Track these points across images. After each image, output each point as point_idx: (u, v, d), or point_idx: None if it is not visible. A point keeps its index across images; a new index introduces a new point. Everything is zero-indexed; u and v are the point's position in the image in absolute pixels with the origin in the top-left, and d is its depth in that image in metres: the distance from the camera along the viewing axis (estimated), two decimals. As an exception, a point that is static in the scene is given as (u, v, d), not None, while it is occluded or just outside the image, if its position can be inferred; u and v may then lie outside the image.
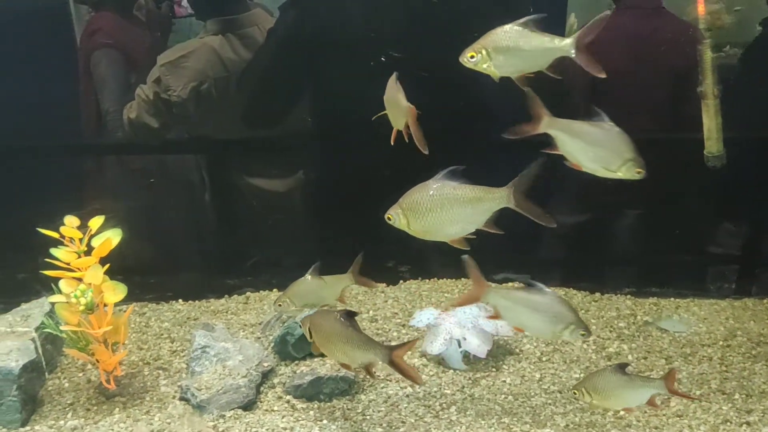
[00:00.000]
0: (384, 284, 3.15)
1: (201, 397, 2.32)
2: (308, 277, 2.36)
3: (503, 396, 2.42)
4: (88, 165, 3.34)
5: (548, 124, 2.00)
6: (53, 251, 2.37)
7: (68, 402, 2.41)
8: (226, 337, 2.55)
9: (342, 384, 2.40)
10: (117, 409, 2.36)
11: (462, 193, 2.07)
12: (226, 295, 3.16)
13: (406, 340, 2.44)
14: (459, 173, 2.07)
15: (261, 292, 3.16)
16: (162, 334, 2.82)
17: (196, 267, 3.24)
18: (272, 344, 2.55)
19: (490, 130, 3.09)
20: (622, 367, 2.13)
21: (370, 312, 2.92)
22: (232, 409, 2.31)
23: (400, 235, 2.84)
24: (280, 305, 2.37)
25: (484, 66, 2.00)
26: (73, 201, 2.96)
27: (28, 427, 2.28)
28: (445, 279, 3.19)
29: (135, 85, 3.15)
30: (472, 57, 1.99)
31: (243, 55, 3.08)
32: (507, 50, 1.96)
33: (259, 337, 2.67)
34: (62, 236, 2.33)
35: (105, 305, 2.36)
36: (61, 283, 2.32)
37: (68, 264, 2.35)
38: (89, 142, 3.21)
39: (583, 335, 2.06)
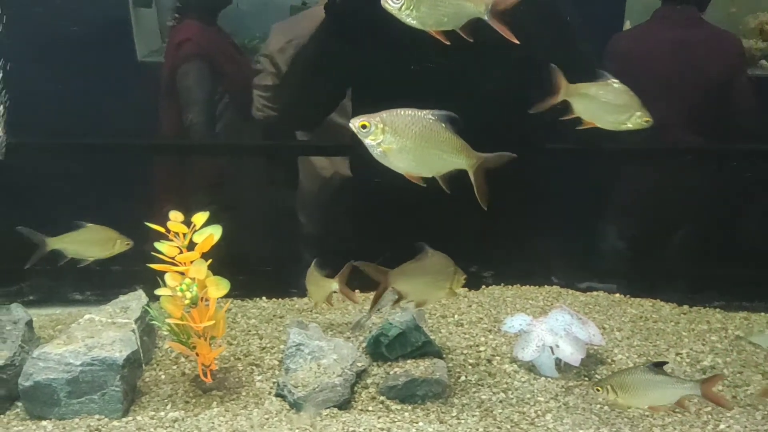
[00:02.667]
0: (466, 288, 3.18)
1: (298, 394, 2.35)
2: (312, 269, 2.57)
3: (598, 406, 2.38)
4: (172, 164, 3.41)
5: (566, 92, 2.24)
6: (157, 245, 2.45)
7: (166, 394, 2.46)
8: (319, 336, 2.57)
9: (436, 387, 2.40)
10: (215, 402, 2.40)
11: (447, 137, 2.06)
12: (309, 295, 3.24)
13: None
14: (455, 120, 2.07)
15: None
16: (250, 331, 2.87)
17: (281, 265, 3.29)
18: (364, 344, 2.58)
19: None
20: (658, 365, 2.13)
21: (455, 316, 2.93)
22: (328, 407, 2.33)
23: (483, 240, 2.85)
24: None
25: (406, 13, 2.07)
26: (162, 199, 3.04)
27: (129, 417, 2.33)
28: (528, 286, 3.18)
29: (221, 95, 3.18)
30: (396, 2, 2.07)
31: None
32: (431, 3, 2.03)
33: (349, 337, 2.68)
34: (168, 231, 2.41)
35: (206, 300, 2.43)
36: (167, 277, 2.39)
37: (172, 258, 2.43)
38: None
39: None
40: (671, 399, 2.14)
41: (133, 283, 3.11)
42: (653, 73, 3.15)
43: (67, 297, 3.18)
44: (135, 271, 3.17)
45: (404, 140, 2.08)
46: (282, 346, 2.71)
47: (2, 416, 2.34)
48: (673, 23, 3.20)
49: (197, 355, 2.44)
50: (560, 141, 3.14)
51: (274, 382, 2.48)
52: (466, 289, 3.15)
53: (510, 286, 3.18)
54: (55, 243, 2.67)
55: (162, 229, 2.40)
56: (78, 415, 2.31)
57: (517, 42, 2.01)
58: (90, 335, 2.45)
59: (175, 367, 2.65)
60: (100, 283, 3.15)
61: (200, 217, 2.43)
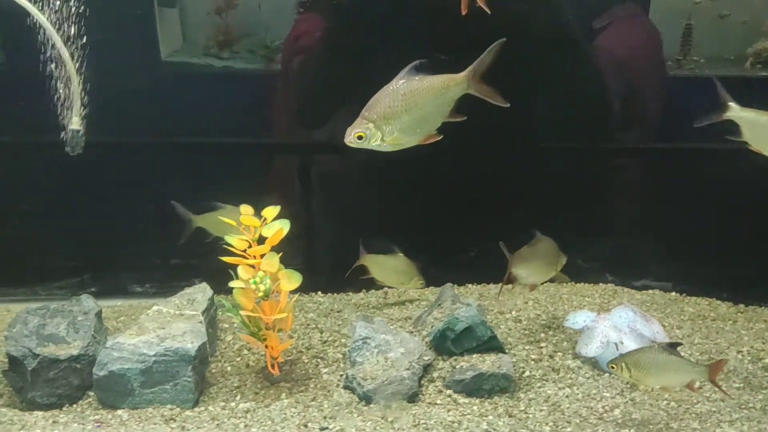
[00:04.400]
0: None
1: (367, 386, 2.38)
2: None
3: (665, 402, 2.39)
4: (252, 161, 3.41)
5: (735, 113, 2.18)
6: (228, 238, 2.49)
7: (234, 385, 2.50)
8: (386, 330, 2.60)
9: (503, 381, 2.42)
10: (283, 394, 2.43)
11: (430, 83, 2.05)
12: (364, 290, 3.24)
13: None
14: (423, 66, 2.05)
15: (399, 288, 3.22)
16: (309, 324, 2.89)
17: (336, 261, 3.31)
18: (429, 338, 2.59)
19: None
20: (672, 347, 2.19)
21: (513, 312, 2.94)
22: (397, 400, 2.35)
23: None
24: None
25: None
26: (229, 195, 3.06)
27: (201, 408, 2.37)
28: (582, 283, 3.19)
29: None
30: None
31: None
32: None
33: (412, 332, 2.70)
34: (239, 224, 2.45)
35: (276, 292, 2.46)
36: (240, 270, 2.42)
37: (243, 251, 2.46)
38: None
39: None
40: (682, 381, 2.21)
41: (190, 277, 3.17)
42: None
43: (127, 289, 3.24)
44: (192, 264, 3.26)
45: (400, 120, 2.04)
46: (344, 340, 2.75)
47: (75, 405, 2.38)
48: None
49: (266, 347, 2.49)
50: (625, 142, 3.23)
51: (341, 375, 2.51)
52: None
53: (564, 284, 3.19)
54: (199, 221, 2.75)
55: (233, 223, 2.45)
56: (151, 404, 2.35)
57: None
58: (161, 326, 2.49)
59: (239, 359, 2.68)
60: (159, 276, 3.22)
61: (271, 211, 2.48)
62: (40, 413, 2.31)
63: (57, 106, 2.40)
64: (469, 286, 3.21)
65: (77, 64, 2.49)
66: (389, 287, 3.15)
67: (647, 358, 2.19)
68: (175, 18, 3.37)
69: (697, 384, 2.26)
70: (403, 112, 2.02)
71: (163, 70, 3.21)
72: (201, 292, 2.75)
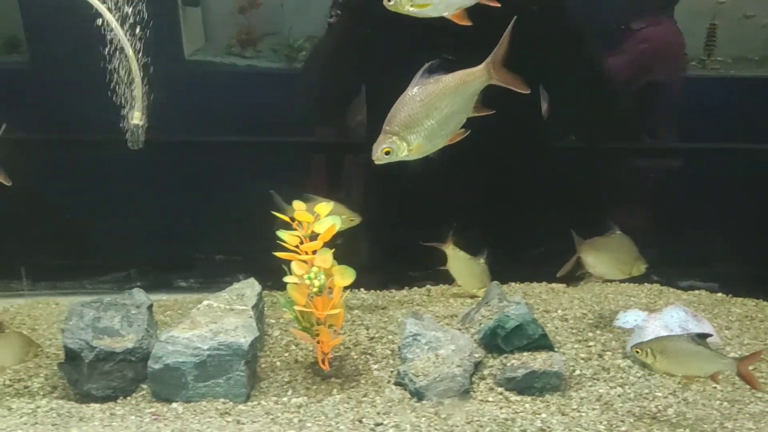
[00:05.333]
0: (564, 284, 3.20)
1: (419, 383, 2.38)
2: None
3: (718, 402, 2.38)
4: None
5: None
6: (280, 233, 2.50)
7: (285, 380, 2.51)
8: (435, 327, 2.60)
9: (554, 380, 2.41)
10: (335, 389, 2.44)
11: (446, 83, 2.01)
12: (407, 287, 3.25)
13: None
14: (436, 67, 2.02)
15: (441, 285, 3.22)
16: (354, 321, 2.90)
17: (379, 258, 3.32)
18: (479, 336, 2.59)
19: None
20: (701, 337, 2.18)
21: (559, 311, 2.93)
22: (450, 397, 2.36)
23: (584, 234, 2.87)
24: None
25: (409, 8, 1.98)
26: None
27: (254, 402, 2.38)
28: (628, 283, 3.16)
29: None
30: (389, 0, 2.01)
31: None
32: None
33: (460, 329, 2.71)
34: (293, 220, 2.46)
35: (329, 289, 2.47)
36: (293, 265, 2.43)
37: (296, 247, 2.47)
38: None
39: None
40: (706, 371, 2.21)
41: (234, 272, 3.19)
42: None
43: (172, 284, 3.28)
44: (236, 260, 3.29)
45: (423, 127, 2.01)
46: (391, 337, 2.76)
47: (129, 398, 2.40)
48: None
49: (318, 342, 2.50)
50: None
51: (391, 371, 2.51)
52: (564, 284, 3.20)
53: (609, 283, 3.18)
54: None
55: (288, 219, 2.47)
56: (204, 398, 2.37)
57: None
58: (213, 321, 2.50)
59: (287, 354, 2.70)
60: (203, 271, 3.26)
61: (323, 208, 2.49)
62: (96, 405, 2.34)
63: (118, 101, 2.43)
64: (512, 284, 3.21)
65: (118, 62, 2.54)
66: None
67: (674, 345, 2.21)
68: (198, 17, 3.41)
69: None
70: (424, 118, 1.99)
71: (187, 69, 3.26)
72: (249, 288, 2.77)
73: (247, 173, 3.29)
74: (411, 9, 2.00)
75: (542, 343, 2.52)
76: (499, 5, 1.99)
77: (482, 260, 3.01)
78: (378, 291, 3.21)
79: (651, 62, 3.17)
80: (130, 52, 2.25)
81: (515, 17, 1.98)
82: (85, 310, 2.51)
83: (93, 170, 3.14)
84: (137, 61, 2.29)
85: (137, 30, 2.51)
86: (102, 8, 2.24)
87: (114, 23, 2.22)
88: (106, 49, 2.34)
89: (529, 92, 2.04)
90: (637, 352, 2.23)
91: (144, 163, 2.80)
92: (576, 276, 2.72)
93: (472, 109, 2.07)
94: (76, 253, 3.20)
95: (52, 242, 3.16)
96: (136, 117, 2.33)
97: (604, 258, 2.51)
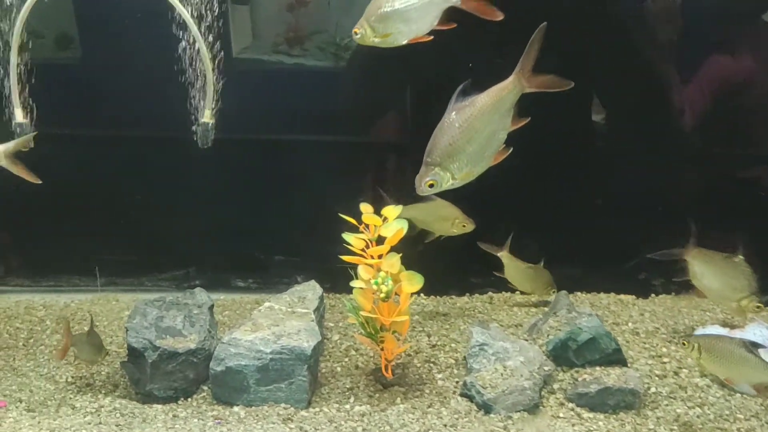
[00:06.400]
0: (634, 296, 3.08)
1: (487, 395, 2.29)
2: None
3: (806, 427, 2.27)
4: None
5: None
6: (346, 236, 2.44)
7: (346, 386, 2.45)
8: (503, 337, 2.51)
9: (629, 397, 2.29)
10: (398, 398, 2.36)
11: (482, 103, 1.92)
12: (468, 294, 3.16)
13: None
14: (468, 89, 1.94)
15: (504, 293, 3.13)
16: (415, 327, 2.83)
17: (441, 263, 3.23)
18: (548, 348, 2.49)
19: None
20: (753, 345, 2.10)
21: (629, 324, 2.80)
22: (518, 411, 2.26)
23: (653, 247, 2.75)
24: None
25: (373, 40, 1.98)
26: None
27: (315, 408, 2.32)
28: (703, 297, 2.99)
29: None
30: (356, 34, 1.99)
31: None
32: (388, 17, 1.92)
33: (527, 339, 2.63)
34: (360, 223, 2.40)
35: (396, 294, 2.40)
36: (360, 269, 2.36)
37: (362, 250, 2.41)
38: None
39: None
40: (751, 380, 2.15)
41: (293, 273, 3.18)
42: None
43: (230, 283, 3.25)
44: (295, 261, 3.25)
45: (465, 154, 1.95)
46: (454, 345, 2.68)
47: (190, 399, 2.37)
48: None
49: (382, 350, 2.44)
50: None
51: (456, 381, 2.43)
52: (634, 296, 3.07)
53: (683, 296, 3.06)
54: (405, 212, 2.56)
55: (354, 221, 2.41)
56: (265, 402, 2.32)
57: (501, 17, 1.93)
58: (275, 323, 2.46)
59: (347, 359, 2.64)
60: (262, 271, 3.22)
61: (392, 211, 2.42)
62: (159, 407, 2.31)
63: (187, 100, 2.41)
64: (578, 294, 3.09)
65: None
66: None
67: (723, 347, 2.15)
68: (246, 15, 3.40)
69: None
70: (465, 144, 1.93)
71: (234, 67, 3.24)
72: (311, 290, 2.72)
73: (302, 172, 3.27)
74: (375, 40, 2.04)
75: (615, 358, 2.41)
76: (455, 25, 2.01)
77: (538, 267, 2.91)
78: (438, 297, 3.13)
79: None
80: (204, 51, 2.21)
81: (544, 23, 1.92)
82: (148, 309, 2.49)
83: (153, 167, 3.12)
84: (210, 59, 2.26)
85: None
86: (180, 7, 2.21)
87: (190, 21, 2.18)
88: (179, 46, 2.33)
89: (572, 85, 1.94)
90: (684, 344, 2.18)
91: (199, 160, 2.81)
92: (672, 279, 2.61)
93: (510, 123, 2.00)
94: (136, 250, 3.19)
95: (113, 239, 3.15)
96: (206, 115, 2.30)
97: (715, 274, 2.35)
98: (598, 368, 2.39)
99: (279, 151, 3.29)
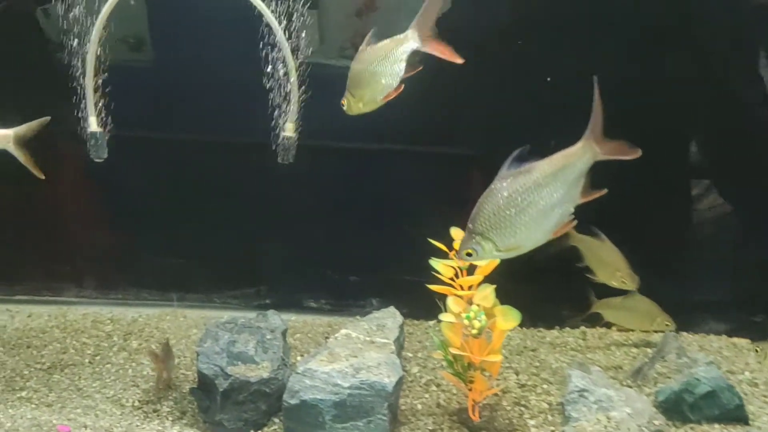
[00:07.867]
0: (749, 340, 2.71)
1: (591, 451, 2.08)
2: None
3: None
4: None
5: None
6: (433, 262, 2.25)
7: (428, 427, 2.22)
8: (605, 383, 2.24)
9: (756, 464, 2.06)
10: (488, 445, 2.19)
11: (542, 171, 1.70)
12: (557, 326, 2.91)
13: None
14: (526, 155, 1.71)
15: (598, 328, 2.85)
16: (502, 363, 2.63)
17: (530, 292, 2.99)
18: (659, 398, 2.22)
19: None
20: None
21: (746, 373, 2.44)
22: (625, 471, 2.05)
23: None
24: None
25: (360, 106, 2.01)
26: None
27: (395, 450, 2.17)
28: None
29: None
30: (343, 105, 2.03)
31: None
32: (363, 79, 1.96)
33: (630, 386, 2.37)
34: (450, 249, 2.20)
35: (488, 330, 2.19)
36: (450, 301, 2.16)
37: (450, 279, 2.21)
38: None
39: None
40: None
41: (367, 296, 3.00)
42: None
43: (302, 303, 3.08)
44: (370, 283, 3.07)
45: (514, 224, 1.72)
46: (545, 386, 2.43)
47: None
48: None
49: (470, 390, 2.22)
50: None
51: (552, 430, 2.19)
52: (749, 340, 2.76)
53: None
54: (576, 241, 2.55)
55: (444, 247, 2.21)
56: (340, 441, 2.18)
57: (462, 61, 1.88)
58: (353, 354, 2.26)
59: (427, 395, 2.42)
60: (335, 292, 3.05)
61: (485, 238, 2.22)
62: (228, 439, 2.18)
63: (271, 112, 2.26)
64: (684, 334, 2.79)
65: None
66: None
67: None
68: (314, 19, 3.32)
69: None
70: (514, 215, 1.71)
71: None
72: (390, 317, 2.52)
73: (374, 182, 3.10)
74: (360, 106, 2.05)
75: (736, 415, 2.14)
76: (421, 68, 1.97)
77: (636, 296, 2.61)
78: (525, 329, 2.87)
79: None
80: (291, 61, 2.05)
81: (595, 77, 1.70)
82: (220, 332, 2.33)
83: (227, 180, 3.00)
84: (296, 70, 2.10)
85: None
86: (268, 14, 2.07)
87: (278, 29, 2.03)
88: (262, 55, 2.18)
89: (639, 154, 1.72)
90: (757, 350, 2.18)
91: (273, 173, 2.68)
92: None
93: (580, 195, 1.75)
94: (206, 265, 3.06)
95: (183, 253, 3.04)
96: (288, 128, 2.14)
97: None
98: (716, 425, 2.12)
99: (351, 161, 3.15)
